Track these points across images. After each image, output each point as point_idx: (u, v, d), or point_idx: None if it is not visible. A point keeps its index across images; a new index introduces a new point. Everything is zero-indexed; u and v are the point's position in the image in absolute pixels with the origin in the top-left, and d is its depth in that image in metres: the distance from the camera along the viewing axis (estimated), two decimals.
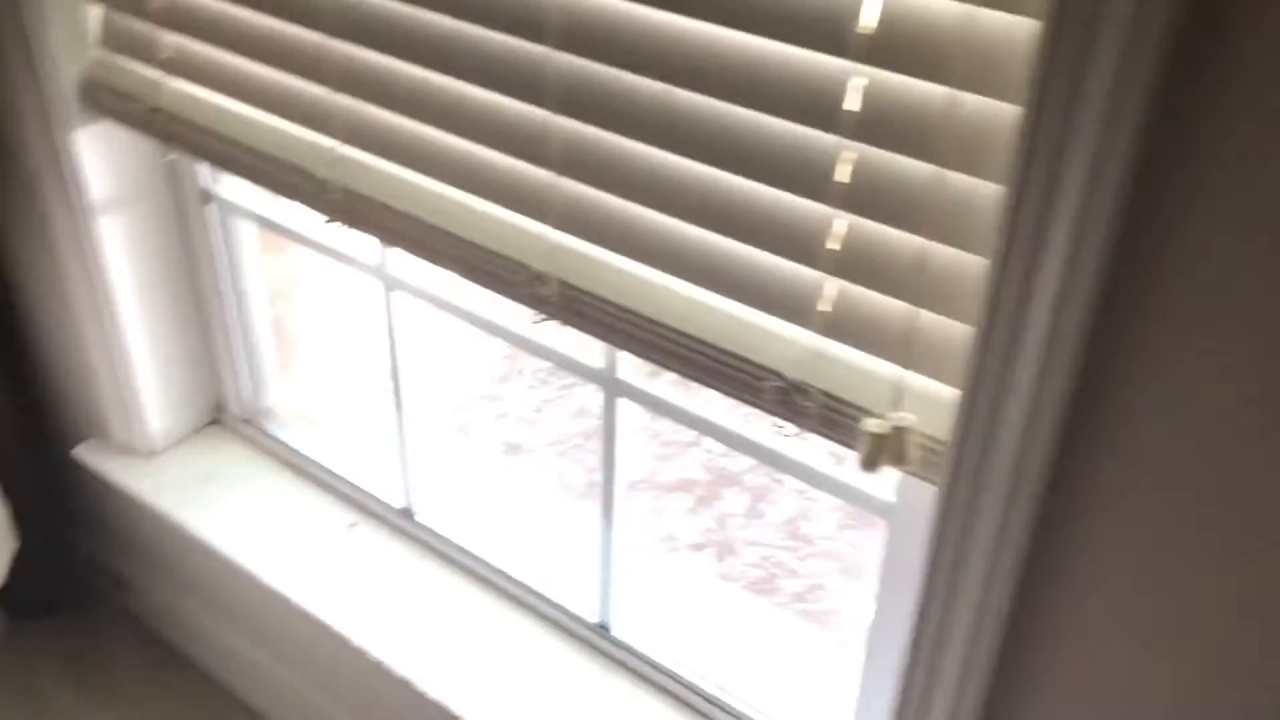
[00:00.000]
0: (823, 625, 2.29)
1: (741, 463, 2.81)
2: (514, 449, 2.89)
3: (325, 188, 1.22)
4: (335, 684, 1.74)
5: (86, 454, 1.79)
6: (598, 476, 1.35)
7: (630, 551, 1.43)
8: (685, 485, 2.76)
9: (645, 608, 1.55)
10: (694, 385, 1.02)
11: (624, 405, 1.29)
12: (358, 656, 1.46)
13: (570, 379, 3.10)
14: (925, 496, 1.03)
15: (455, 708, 1.38)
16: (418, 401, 1.57)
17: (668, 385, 1.28)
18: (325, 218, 1.26)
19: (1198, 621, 0.81)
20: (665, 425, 2.86)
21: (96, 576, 2.12)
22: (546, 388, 3.15)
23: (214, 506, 1.67)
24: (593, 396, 2.99)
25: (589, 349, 1.27)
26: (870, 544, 2.56)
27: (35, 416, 1.97)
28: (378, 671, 1.44)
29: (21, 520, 1.89)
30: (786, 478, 2.73)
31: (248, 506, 1.67)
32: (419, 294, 1.42)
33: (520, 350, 1.66)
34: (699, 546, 2.56)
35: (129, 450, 1.78)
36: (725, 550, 2.55)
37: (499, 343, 3.12)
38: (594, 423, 2.91)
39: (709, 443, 2.83)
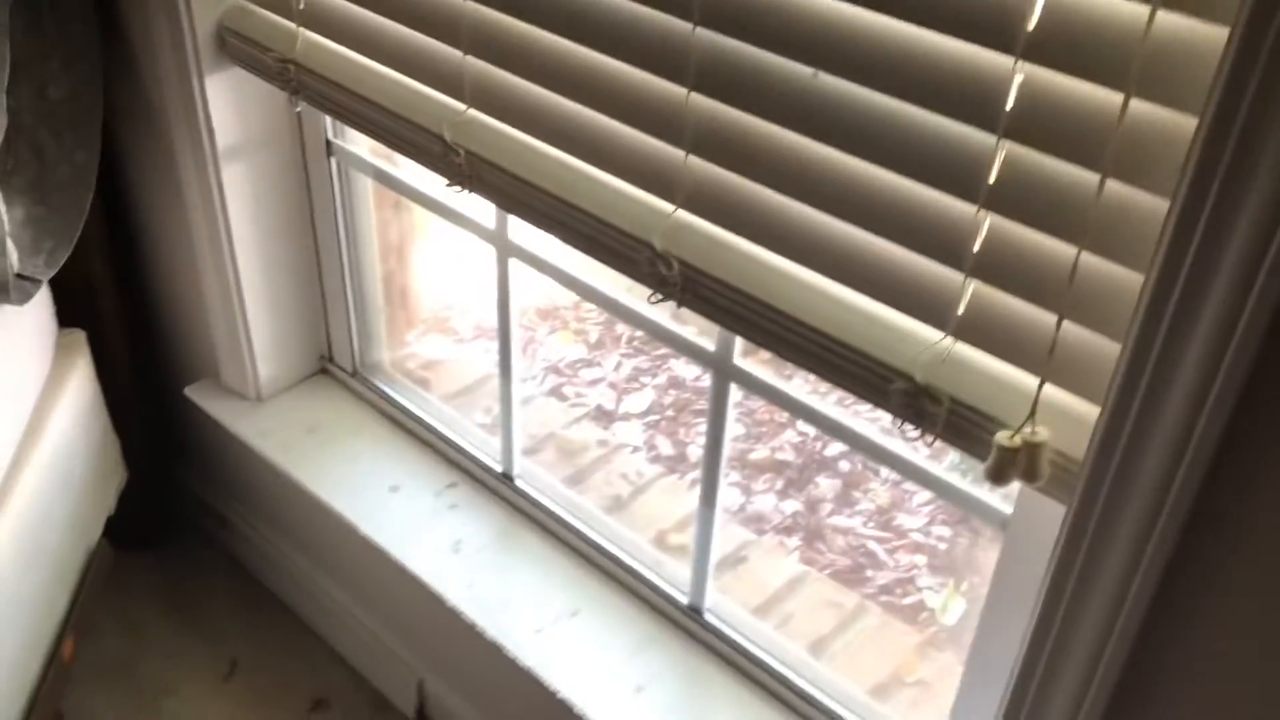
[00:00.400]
0: (911, 622, 2.26)
1: (835, 448, 2.77)
2: (606, 416, 2.89)
3: (450, 150, 1.21)
4: (425, 640, 1.76)
5: (197, 394, 1.83)
6: (689, 450, 1.33)
7: (723, 533, 1.41)
8: (776, 466, 2.73)
9: (734, 591, 1.54)
10: (787, 367, 0.99)
11: (734, 390, 1.27)
12: (451, 616, 1.47)
13: (665, 349, 3.08)
14: (1048, 513, 0.99)
15: (544, 676, 1.38)
16: (523, 365, 1.56)
17: (757, 365, 1.25)
18: (447, 181, 1.26)
19: None
20: (758, 403, 2.83)
21: (199, 514, 2.17)
22: (642, 356, 3.14)
23: (316, 455, 1.70)
24: (685, 369, 2.98)
25: (687, 325, 1.25)
26: (962, 541, 2.51)
27: (151, 354, 2.02)
28: (470, 634, 1.45)
29: (131, 454, 1.95)
30: (879, 466, 2.69)
31: (349, 458, 1.69)
32: (534, 261, 1.41)
33: (619, 319, 1.63)
34: (788, 530, 2.53)
35: (238, 394, 1.81)
36: (814, 536, 2.53)
37: (593, 307, 3.11)
38: (686, 395, 2.89)
39: (803, 425, 2.80)
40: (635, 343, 3.16)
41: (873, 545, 2.51)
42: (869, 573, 2.43)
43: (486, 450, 1.65)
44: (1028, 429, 0.84)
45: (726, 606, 1.44)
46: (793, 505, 2.61)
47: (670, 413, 2.90)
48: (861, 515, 2.60)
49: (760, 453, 2.76)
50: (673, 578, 1.47)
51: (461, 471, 1.67)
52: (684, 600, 1.45)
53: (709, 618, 1.43)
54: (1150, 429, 0.77)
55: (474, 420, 1.73)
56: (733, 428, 1.30)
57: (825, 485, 2.68)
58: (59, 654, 1.63)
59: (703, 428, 1.30)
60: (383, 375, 1.81)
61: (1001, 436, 0.84)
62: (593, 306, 3.13)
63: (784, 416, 2.81)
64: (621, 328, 3.18)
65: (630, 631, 1.45)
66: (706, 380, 1.27)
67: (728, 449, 1.32)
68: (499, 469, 1.63)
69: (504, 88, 1.15)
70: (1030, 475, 0.85)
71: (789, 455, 2.77)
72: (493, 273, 1.47)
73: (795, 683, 1.35)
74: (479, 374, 1.96)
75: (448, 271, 2.72)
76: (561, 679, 1.39)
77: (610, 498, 1.74)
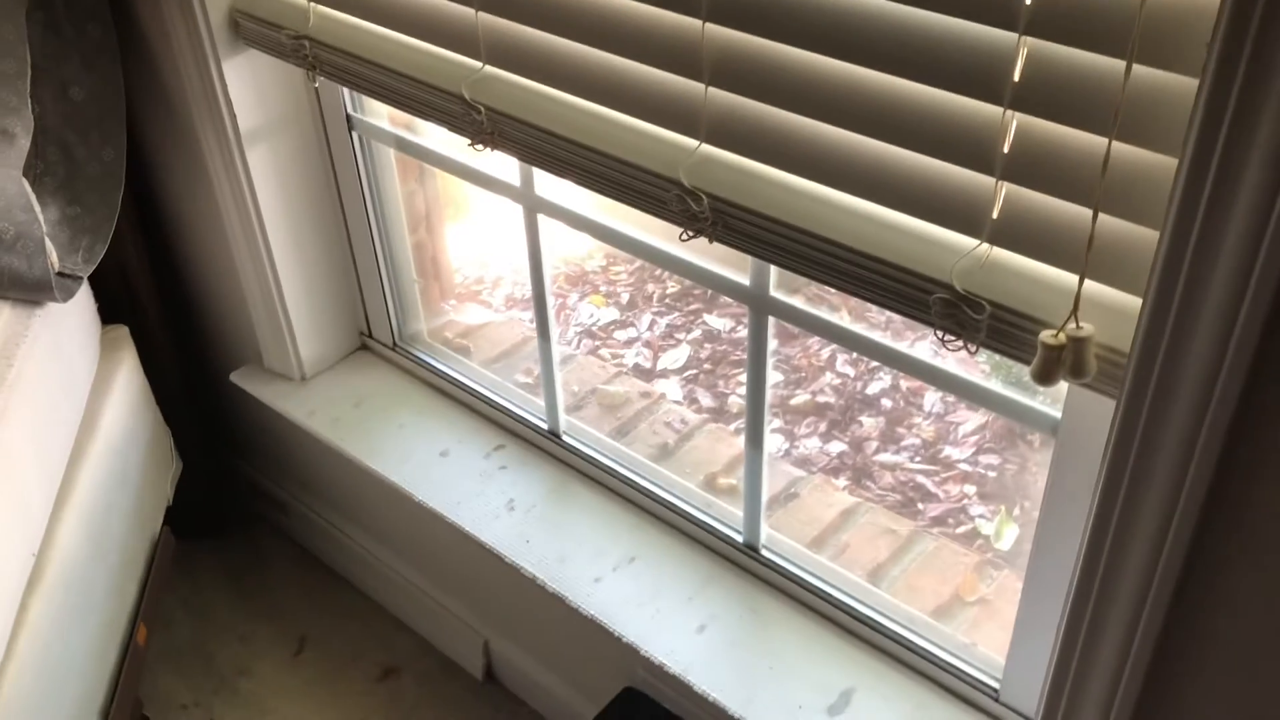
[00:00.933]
0: (966, 548, 2.26)
1: (875, 386, 2.77)
2: (644, 375, 2.90)
3: (470, 108, 1.22)
4: (487, 601, 1.78)
5: (243, 379, 1.86)
6: (730, 401, 1.34)
7: (773, 472, 1.42)
8: (818, 410, 2.73)
9: (788, 527, 1.55)
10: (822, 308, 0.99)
11: (771, 340, 1.27)
12: (511, 574, 1.49)
13: (697, 304, 3.09)
14: (1097, 412, 0.99)
15: (610, 623, 1.40)
16: (557, 331, 1.57)
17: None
18: (469, 141, 1.26)
19: None
20: (794, 350, 2.83)
21: (255, 498, 2.21)
22: (675, 313, 3.15)
23: (364, 428, 1.72)
24: (718, 321, 2.98)
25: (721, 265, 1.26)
26: (1011, 467, 2.51)
27: (194, 344, 2.04)
28: (531, 588, 1.47)
29: (184, 444, 1.98)
30: (922, 401, 2.69)
31: (397, 428, 1.71)
32: (561, 214, 1.42)
33: (647, 277, 1.62)
34: (835, 471, 2.54)
35: (282, 375, 1.84)
36: (862, 474, 2.53)
37: (624, 269, 3.13)
38: (722, 348, 2.90)
39: (842, 366, 2.80)
40: (667, 300, 3.16)
41: (921, 479, 2.51)
42: (920, 506, 2.44)
43: (531, 410, 1.66)
44: (1071, 325, 0.84)
45: (782, 541, 1.45)
46: (838, 446, 2.62)
47: (708, 366, 2.91)
48: (908, 450, 2.60)
49: (801, 398, 2.77)
50: (726, 518, 1.48)
51: (508, 433, 1.69)
52: (739, 538, 1.46)
53: (765, 553, 1.44)
54: (1195, 313, 0.76)
55: (515, 383, 1.74)
56: (772, 375, 1.31)
57: (869, 424, 2.68)
58: (133, 641, 1.67)
59: (741, 378, 1.31)
60: (422, 345, 1.82)
61: (1046, 335, 0.84)
62: (621, 268, 3.14)
63: (822, 360, 2.81)
64: (652, 287, 3.19)
65: (688, 573, 1.46)
66: (741, 331, 1.27)
67: (770, 384, 1.33)
68: (545, 427, 1.64)
69: (519, 40, 1.15)
70: (1078, 371, 0.85)
71: (830, 398, 2.77)
72: (522, 232, 1.48)
73: (857, 609, 1.36)
74: (516, 338, 1.97)
75: (476, 243, 2.73)
76: (625, 624, 1.41)
77: (657, 446, 1.75)
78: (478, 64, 1.21)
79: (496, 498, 1.59)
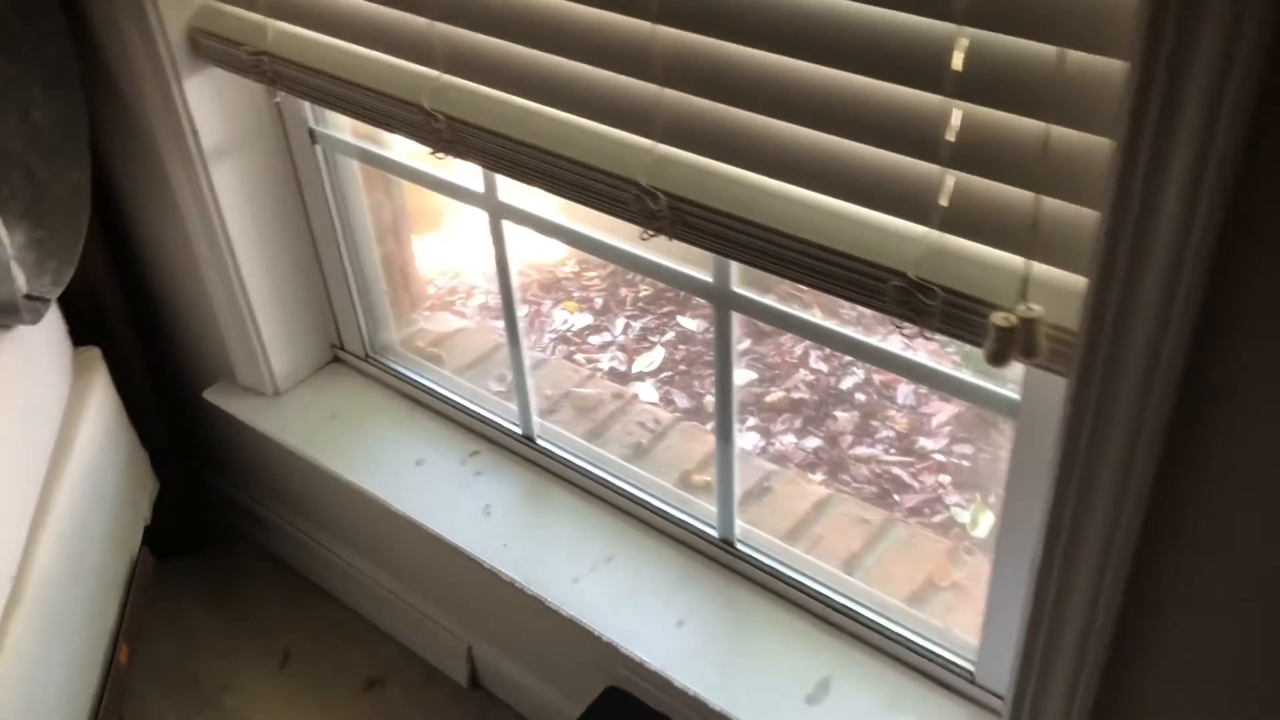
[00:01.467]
0: (942, 537, 2.29)
1: (849, 380, 2.79)
2: (620, 378, 2.92)
3: (430, 117, 1.23)
4: (468, 606, 1.79)
5: (216, 396, 1.86)
6: (706, 401, 1.35)
7: (746, 467, 1.43)
8: (793, 406, 2.75)
9: (763, 521, 1.56)
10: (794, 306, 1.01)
11: (736, 320, 1.29)
12: (490, 578, 1.50)
13: (670, 306, 3.11)
14: (1053, 391, 1.01)
15: (589, 622, 1.42)
16: (531, 338, 1.59)
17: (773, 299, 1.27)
18: (431, 149, 1.28)
19: None
20: (768, 348, 2.85)
21: (233, 514, 2.21)
22: (648, 316, 3.17)
23: (339, 440, 1.73)
24: (691, 323, 3.00)
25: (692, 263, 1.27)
26: (985, 456, 2.54)
27: (167, 362, 2.05)
28: (510, 592, 1.49)
29: (160, 462, 1.98)
30: (895, 394, 2.71)
31: (371, 438, 1.72)
32: (525, 219, 1.43)
33: (619, 282, 1.63)
34: (811, 466, 2.56)
35: (255, 391, 1.84)
36: (838, 468, 2.55)
37: (597, 274, 3.14)
38: (696, 349, 2.92)
39: (815, 363, 2.82)
40: (640, 304, 3.18)
41: (897, 470, 2.53)
42: (896, 497, 2.46)
43: (505, 415, 1.68)
44: (1021, 307, 0.86)
45: (756, 535, 1.47)
46: (814, 441, 2.64)
47: (683, 367, 2.93)
48: (882, 443, 2.62)
49: (776, 395, 2.79)
50: (701, 514, 1.50)
51: (482, 439, 1.70)
52: (714, 534, 1.47)
53: (740, 547, 1.46)
54: (1137, 288, 0.78)
55: (489, 389, 1.76)
56: (744, 373, 1.33)
57: (843, 418, 2.70)
58: (116, 661, 1.67)
59: None
60: (394, 355, 1.83)
61: (997, 317, 0.86)
62: (594, 273, 3.16)
63: (795, 356, 2.84)
64: (625, 290, 3.20)
65: (665, 570, 1.48)
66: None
67: (737, 380, 1.34)
68: (519, 431, 1.65)
69: (473, 48, 1.16)
70: (1029, 351, 0.86)
71: (804, 394, 2.79)
72: (487, 238, 1.49)
73: (832, 599, 1.38)
74: (488, 345, 1.98)
75: (450, 253, 2.74)
76: (604, 623, 1.42)
77: (631, 446, 1.77)
78: (435, 73, 1.22)
79: (473, 503, 1.60)
